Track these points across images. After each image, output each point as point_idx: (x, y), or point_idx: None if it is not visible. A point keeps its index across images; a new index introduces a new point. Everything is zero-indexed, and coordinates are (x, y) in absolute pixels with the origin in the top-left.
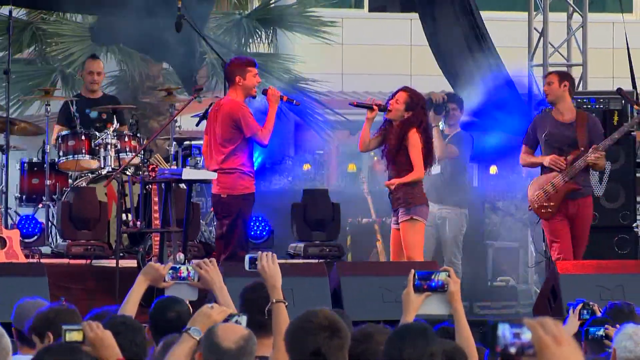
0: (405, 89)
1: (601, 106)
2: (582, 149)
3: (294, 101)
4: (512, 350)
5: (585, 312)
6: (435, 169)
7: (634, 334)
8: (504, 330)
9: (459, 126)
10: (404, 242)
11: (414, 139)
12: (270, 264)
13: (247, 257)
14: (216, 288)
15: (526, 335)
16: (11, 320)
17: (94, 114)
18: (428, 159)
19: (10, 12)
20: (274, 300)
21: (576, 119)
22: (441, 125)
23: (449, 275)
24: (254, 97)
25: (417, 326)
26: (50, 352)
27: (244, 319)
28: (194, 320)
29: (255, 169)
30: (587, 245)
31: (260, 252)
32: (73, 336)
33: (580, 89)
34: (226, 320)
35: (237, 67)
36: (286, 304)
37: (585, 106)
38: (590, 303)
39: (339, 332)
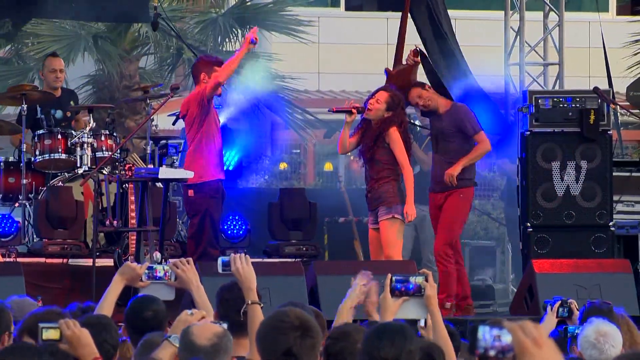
0: (385, 88)
1: (578, 105)
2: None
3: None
4: (492, 353)
5: (562, 310)
6: (414, 170)
7: (597, 341)
8: (484, 333)
9: None
10: (384, 240)
11: (396, 136)
12: (244, 266)
13: (219, 260)
14: (193, 287)
15: (506, 338)
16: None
17: (59, 114)
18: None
19: None
20: (249, 302)
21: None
22: (418, 122)
23: (426, 279)
24: (219, 95)
25: (395, 324)
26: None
27: (224, 326)
28: (174, 328)
29: (232, 168)
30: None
31: (232, 254)
32: (50, 334)
33: (556, 87)
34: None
35: (204, 65)
36: (261, 305)
37: (561, 105)
38: (568, 301)
39: (310, 332)
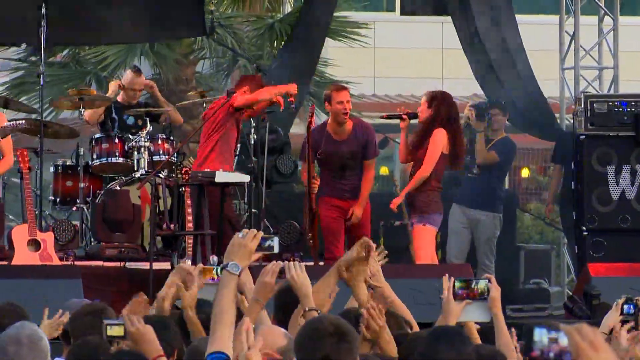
0: (426, 92)
1: (633, 109)
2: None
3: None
4: (550, 355)
5: (628, 307)
6: (472, 172)
7: None
8: (541, 336)
9: (503, 131)
10: (416, 246)
11: (438, 137)
12: (299, 273)
13: None
14: (246, 289)
15: (563, 341)
16: None
17: (130, 120)
18: (454, 155)
19: (45, 14)
20: (307, 309)
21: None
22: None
23: (489, 282)
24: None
25: (453, 328)
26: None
27: (275, 241)
28: (229, 254)
29: (288, 172)
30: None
31: (287, 262)
32: (114, 331)
33: (611, 91)
34: (260, 244)
35: (251, 82)
36: (319, 311)
37: (616, 109)
38: (636, 298)
39: (346, 337)
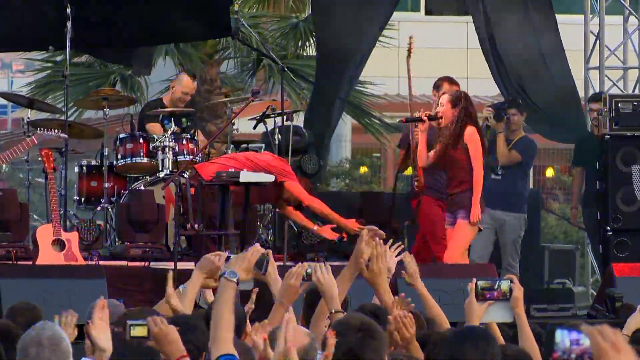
0: (447, 94)
1: None
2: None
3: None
4: (571, 356)
5: None
6: (496, 174)
7: None
8: (563, 337)
9: (522, 130)
10: (453, 238)
11: (475, 135)
12: (325, 275)
13: None
14: (271, 280)
15: (584, 342)
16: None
17: (169, 126)
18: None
19: (69, 14)
20: (333, 311)
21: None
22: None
23: (512, 282)
24: None
25: (478, 328)
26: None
27: (265, 263)
28: (229, 264)
29: (313, 172)
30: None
31: (314, 264)
32: (137, 331)
33: (636, 91)
34: (258, 260)
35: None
36: (344, 314)
37: None
38: None
39: (373, 333)
